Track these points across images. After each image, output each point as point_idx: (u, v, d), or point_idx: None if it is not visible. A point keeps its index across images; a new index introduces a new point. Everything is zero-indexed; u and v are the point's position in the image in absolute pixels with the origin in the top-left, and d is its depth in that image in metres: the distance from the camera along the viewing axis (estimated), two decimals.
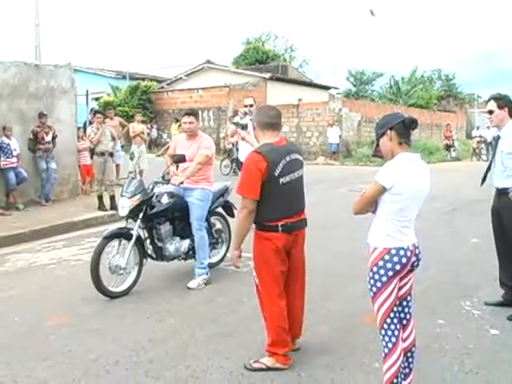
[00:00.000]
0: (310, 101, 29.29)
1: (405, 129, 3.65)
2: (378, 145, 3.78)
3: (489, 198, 6.16)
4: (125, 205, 6.42)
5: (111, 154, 12.27)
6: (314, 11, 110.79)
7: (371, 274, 3.65)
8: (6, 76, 12.16)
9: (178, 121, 21.65)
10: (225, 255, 7.70)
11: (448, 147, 29.93)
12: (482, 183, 6.11)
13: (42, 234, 9.84)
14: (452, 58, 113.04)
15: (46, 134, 12.31)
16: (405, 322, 3.81)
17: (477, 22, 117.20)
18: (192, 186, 6.83)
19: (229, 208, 7.82)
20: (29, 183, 12.17)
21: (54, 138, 12.49)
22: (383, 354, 3.69)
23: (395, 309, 3.68)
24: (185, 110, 7.33)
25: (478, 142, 30.38)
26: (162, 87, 33.81)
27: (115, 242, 6.39)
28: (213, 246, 7.38)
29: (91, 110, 17.29)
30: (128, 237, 6.39)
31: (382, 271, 3.58)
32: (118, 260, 6.27)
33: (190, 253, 7.05)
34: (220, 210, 7.79)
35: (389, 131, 3.65)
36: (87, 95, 18.33)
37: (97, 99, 30.59)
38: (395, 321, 3.67)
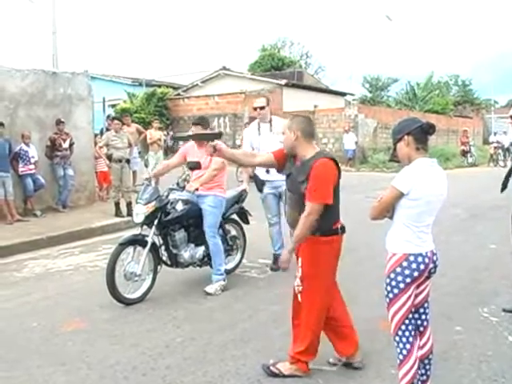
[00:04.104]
0: (326, 107, 29.27)
1: (422, 134, 3.63)
2: (395, 149, 3.77)
3: (506, 203, 6.12)
4: (140, 211, 6.42)
5: (128, 161, 12.34)
6: (329, 18, 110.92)
7: (388, 280, 3.63)
8: (25, 84, 12.29)
9: None
10: (240, 262, 7.70)
11: (465, 153, 29.73)
12: (503, 190, 6.04)
13: (60, 240, 9.90)
14: (469, 60, 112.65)
15: (64, 140, 12.42)
16: (422, 329, 3.80)
17: (493, 23, 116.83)
18: (205, 193, 6.80)
19: (243, 215, 7.79)
20: (46, 190, 12.29)
21: (71, 144, 12.60)
22: (398, 361, 3.68)
23: (410, 316, 3.66)
24: (194, 119, 7.21)
25: (495, 148, 30.15)
26: (179, 94, 33.88)
27: (130, 249, 6.37)
28: (228, 252, 7.34)
29: (108, 116, 17.40)
30: (143, 243, 6.39)
31: (399, 277, 3.56)
32: (132, 267, 6.27)
33: (205, 259, 7.04)
34: (235, 216, 7.74)
35: (406, 136, 3.63)
36: (104, 102, 18.49)
37: (113, 106, 30.75)
38: (410, 328, 3.65)
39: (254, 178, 7.63)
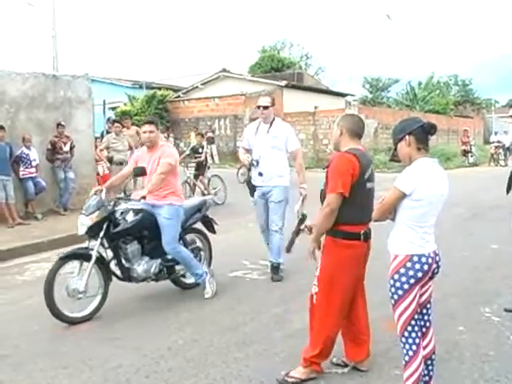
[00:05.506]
0: (326, 108, 29.28)
1: (423, 134, 3.63)
2: (395, 149, 3.76)
3: (507, 204, 6.10)
4: (84, 222, 6.00)
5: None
6: (329, 19, 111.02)
7: (392, 282, 3.62)
8: (25, 87, 12.30)
9: (197, 129, 21.73)
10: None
11: (465, 153, 29.71)
12: (509, 191, 6.00)
13: (61, 244, 9.83)
14: (469, 61, 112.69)
15: (64, 143, 12.42)
16: (424, 329, 3.79)
17: (494, 25, 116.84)
18: (158, 203, 6.31)
19: (209, 223, 7.31)
20: (47, 193, 12.29)
21: (71, 147, 12.60)
22: (403, 362, 3.67)
23: (416, 316, 3.65)
24: (145, 118, 6.84)
25: (495, 148, 30.12)
26: (179, 96, 33.91)
27: (76, 264, 5.91)
28: None
29: (108, 119, 17.38)
30: (88, 258, 5.90)
31: (403, 279, 3.56)
32: (75, 283, 5.79)
33: (162, 273, 6.60)
34: (200, 226, 7.28)
35: (407, 136, 3.62)
36: (104, 105, 18.44)
37: (114, 109, 30.72)
38: (416, 329, 3.65)
39: (247, 184, 7.44)
